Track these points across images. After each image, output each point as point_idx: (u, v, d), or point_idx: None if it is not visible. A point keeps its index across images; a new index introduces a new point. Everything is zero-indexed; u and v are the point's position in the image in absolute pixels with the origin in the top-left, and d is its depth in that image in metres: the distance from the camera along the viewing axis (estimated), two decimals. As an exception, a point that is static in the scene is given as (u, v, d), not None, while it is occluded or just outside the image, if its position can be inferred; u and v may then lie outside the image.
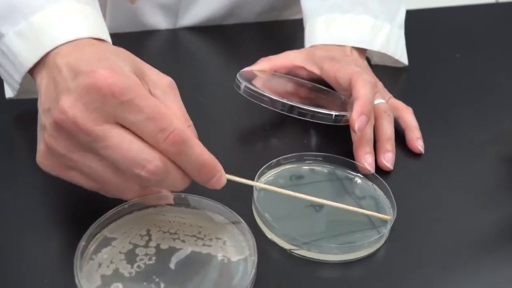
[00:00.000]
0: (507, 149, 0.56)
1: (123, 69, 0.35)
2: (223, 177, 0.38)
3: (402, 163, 0.52)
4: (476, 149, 0.55)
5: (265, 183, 0.46)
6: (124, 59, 0.37)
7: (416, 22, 0.72)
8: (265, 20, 0.78)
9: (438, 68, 0.72)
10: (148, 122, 0.34)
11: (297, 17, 0.80)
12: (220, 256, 0.38)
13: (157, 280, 0.36)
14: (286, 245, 0.41)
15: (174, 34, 0.73)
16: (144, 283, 0.36)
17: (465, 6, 0.91)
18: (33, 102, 0.40)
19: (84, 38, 0.40)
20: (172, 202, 0.41)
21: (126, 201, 0.40)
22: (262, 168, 0.46)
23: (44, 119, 0.37)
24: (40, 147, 0.37)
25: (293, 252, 0.41)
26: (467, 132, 0.58)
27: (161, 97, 0.38)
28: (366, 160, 0.49)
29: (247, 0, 0.75)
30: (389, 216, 0.43)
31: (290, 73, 0.60)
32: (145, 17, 0.71)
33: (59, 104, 0.34)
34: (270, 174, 0.48)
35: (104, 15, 0.69)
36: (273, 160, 0.47)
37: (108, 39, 0.42)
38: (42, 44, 0.39)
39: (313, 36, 0.64)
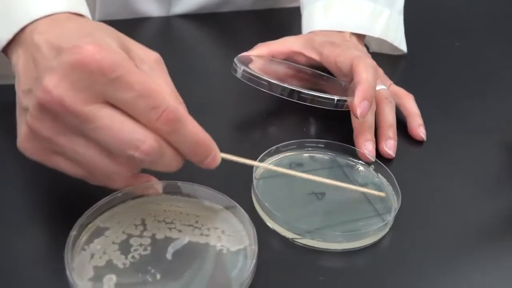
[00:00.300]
0: (510, 136, 0.55)
1: (109, 44, 0.33)
2: (218, 156, 0.36)
3: (404, 150, 0.50)
4: (479, 136, 0.55)
5: (264, 171, 0.45)
6: (108, 34, 0.35)
7: (415, 9, 0.71)
8: (261, 8, 0.77)
9: (438, 56, 0.71)
10: (139, 100, 0.32)
11: (292, 5, 0.78)
12: (218, 246, 0.37)
13: (152, 271, 0.34)
14: (288, 234, 0.39)
15: (167, 22, 0.71)
16: (139, 274, 0.34)
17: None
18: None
19: (61, 13, 0.37)
20: (161, 192, 0.39)
21: (117, 190, 0.38)
22: (261, 155, 0.45)
23: (24, 101, 0.34)
24: (21, 130, 0.34)
25: (296, 241, 0.39)
26: (468, 119, 0.57)
27: (148, 73, 0.35)
28: (367, 148, 0.47)
29: None
30: (383, 193, 0.42)
31: (289, 59, 0.58)
32: (137, 4, 0.69)
33: (43, 84, 0.31)
34: (270, 161, 0.46)
35: (94, 2, 0.68)
36: (272, 147, 0.46)
37: (88, 14, 0.40)
38: (16, 20, 0.36)
39: (311, 22, 0.62)
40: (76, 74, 0.31)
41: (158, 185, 0.39)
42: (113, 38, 0.35)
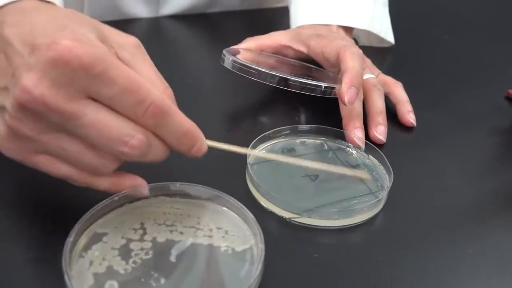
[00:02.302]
0: (498, 121, 0.56)
1: (88, 37, 0.31)
2: (204, 145, 0.35)
3: (394, 137, 0.50)
4: (467, 122, 0.55)
5: (258, 156, 0.45)
6: (83, 23, 0.33)
7: (404, 5, 0.71)
8: (249, 8, 0.76)
9: (427, 49, 0.71)
10: (124, 95, 0.30)
11: (280, 4, 0.78)
12: (223, 246, 0.35)
13: (156, 275, 0.32)
14: (285, 214, 0.40)
15: (156, 23, 0.70)
16: (142, 279, 0.32)
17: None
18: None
19: (27, 0, 0.35)
20: (147, 195, 0.38)
21: (102, 190, 0.35)
22: (254, 141, 0.45)
23: (1, 99, 0.32)
24: (0, 129, 0.32)
25: (293, 220, 0.39)
26: (456, 107, 0.58)
27: (130, 60, 0.33)
28: (356, 134, 0.47)
29: None
30: (367, 175, 0.43)
31: (277, 52, 0.58)
32: (125, 5, 0.68)
33: (21, 82, 0.29)
34: (262, 147, 0.46)
35: (82, 2, 0.66)
36: (265, 133, 0.46)
37: (56, 0, 0.38)
38: None
39: (297, 17, 0.62)
40: (56, 71, 0.29)
41: (144, 189, 0.37)
42: (89, 28, 0.32)
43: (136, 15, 0.69)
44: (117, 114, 0.31)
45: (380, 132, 0.49)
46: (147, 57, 0.35)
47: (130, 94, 0.30)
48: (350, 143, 0.47)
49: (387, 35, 0.65)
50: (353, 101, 0.46)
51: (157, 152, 0.33)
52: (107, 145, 0.31)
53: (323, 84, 0.48)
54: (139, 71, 0.33)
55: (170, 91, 0.35)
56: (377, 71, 0.57)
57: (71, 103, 0.30)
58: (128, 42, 0.35)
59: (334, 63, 0.51)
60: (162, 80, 0.35)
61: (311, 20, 0.60)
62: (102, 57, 0.30)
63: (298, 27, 0.61)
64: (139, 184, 0.36)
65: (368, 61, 0.57)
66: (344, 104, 0.46)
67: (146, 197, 0.38)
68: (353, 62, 0.48)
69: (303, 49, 0.56)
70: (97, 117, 0.30)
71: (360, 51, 0.51)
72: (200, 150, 0.35)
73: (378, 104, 0.50)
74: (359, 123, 0.48)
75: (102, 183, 0.35)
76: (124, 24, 0.68)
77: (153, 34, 0.70)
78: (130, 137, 0.31)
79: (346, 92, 0.45)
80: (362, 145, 0.47)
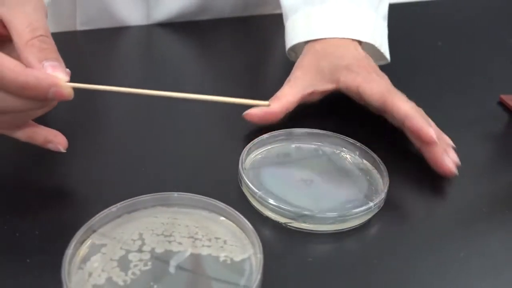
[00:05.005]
0: (491, 126, 0.57)
1: None
2: (62, 90, 0.36)
3: (388, 142, 0.51)
4: (460, 127, 0.56)
5: (252, 162, 0.46)
6: None
7: (397, 15, 0.72)
8: (240, 15, 0.76)
9: (421, 55, 0.72)
10: None
11: (272, 12, 0.78)
12: (222, 256, 0.35)
13: (155, 286, 0.33)
14: (281, 219, 0.40)
15: (147, 31, 0.70)
16: (142, 291, 0.32)
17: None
18: None
19: None
20: (62, 149, 0.40)
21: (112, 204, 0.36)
22: (249, 146, 0.45)
23: None
24: None
25: (288, 225, 0.40)
26: (451, 112, 0.58)
27: (5, 13, 0.36)
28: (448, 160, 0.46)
29: None
30: (266, 102, 0.40)
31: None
32: (116, 9, 0.68)
33: None
34: (258, 152, 0.47)
35: (74, 7, 0.66)
36: (260, 137, 0.47)
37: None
38: None
39: (296, 33, 0.57)
40: None
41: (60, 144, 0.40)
42: None
43: (127, 18, 0.70)
44: None
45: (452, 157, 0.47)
46: (29, 6, 0.37)
47: None
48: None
49: (386, 52, 0.59)
50: (434, 137, 0.45)
51: (13, 105, 0.36)
52: None
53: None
54: (10, 23, 0.36)
55: (43, 39, 0.36)
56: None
57: None
58: None
59: (377, 107, 0.49)
60: (33, 28, 0.36)
61: (310, 35, 0.56)
62: None
63: (307, 51, 0.55)
64: (54, 136, 0.40)
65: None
66: (433, 142, 0.45)
67: (163, 205, 0.39)
68: (407, 106, 0.47)
69: (330, 87, 0.52)
70: None
71: (404, 95, 0.50)
72: (57, 96, 0.36)
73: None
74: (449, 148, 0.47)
75: (19, 134, 0.39)
76: (115, 32, 0.68)
77: (143, 42, 0.70)
78: None
79: (427, 132, 0.45)
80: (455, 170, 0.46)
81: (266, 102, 0.40)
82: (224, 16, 0.75)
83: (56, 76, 0.36)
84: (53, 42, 0.37)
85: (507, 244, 0.41)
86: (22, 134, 0.39)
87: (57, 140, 0.40)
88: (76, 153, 0.43)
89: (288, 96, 0.51)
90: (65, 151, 0.40)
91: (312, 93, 0.52)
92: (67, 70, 0.37)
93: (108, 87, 0.38)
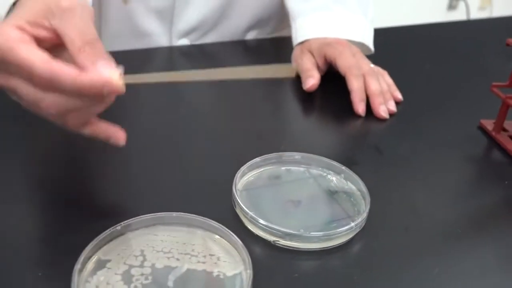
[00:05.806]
0: (470, 150, 0.60)
1: (4, 29, 0.38)
2: (114, 86, 0.39)
3: (371, 165, 0.55)
4: (441, 149, 0.60)
5: (245, 183, 0.50)
6: (17, 16, 0.39)
7: (389, 38, 0.77)
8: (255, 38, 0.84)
9: (408, 76, 0.76)
10: (19, 70, 0.38)
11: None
12: (215, 271, 0.39)
13: (155, 299, 0.36)
14: (270, 237, 0.44)
15: (171, 52, 0.75)
16: (143, 303, 0.36)
17: (436, 24, 1.00)
18: None
19: None
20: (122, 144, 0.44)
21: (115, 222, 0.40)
22: (243, 168, 0.49)
23: None
24: None
25: (277, 243, 0.43)
26: (432, 134, 0.63)
27: (59, 25, 0.39)
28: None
29: (237, 0, 0.79)
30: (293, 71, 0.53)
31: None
32: (139, 21, 0.74)
33: None
34: (251, 174, 0.51)
35: (99, 17, 0.72)
36: (253, 160, 0.51)
37: None
38: None
39: (304, 30, 0.74)
40: None
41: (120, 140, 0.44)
42: (19, 18, 0.39)
43: (150, 30, 0.76)
44: (28, 84, 0.39)
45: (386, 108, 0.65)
46: (78, 17, 0.40)
47: (22, 69, 0.37)
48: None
49: (371, 47, 0.76)
50: (364, 111, 0.64)
51: (75, 105, 0.40)
52: (31, 109, 0.41)
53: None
54: (63, 33, 0.39)
55: (95, 45, 0.39)
56: (367, 61, 0.70)
57: (5, 80, 0.39)
58: (60, 6, 0.40)
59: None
60: (85, 34, 0.40)
61: (315, 34, 0.73)
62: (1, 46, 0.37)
63: (306, 40, 0.73)
64: (115, 131, 0.44)
65: (359, 55, 0.70)
66: (360, 115, 0.64)
67: (163, 224, 0.43)
68: (355, 83, 0.65)
69: (322, 60, 0.70)
70: (20, 87, 0.39)
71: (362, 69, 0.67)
72: (112, 92, 0.39)
73: (376, 87, 0.65)
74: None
75: (85, 130, 0.43)
76: (143, 53, 0.73)
77: (168, 62, 0.75)
78: (41, 101, 0.39)
79: (358, 106, 0.64)
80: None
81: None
82: (243, 24, 0.83)
83: (107, 75, 0.39)
84: (101, 44, 0.40)
85: (479, 262, 0.44)
86: (87, 130, 0.43)
87: (117, 136, 0.44)
88: (80, 176, 0.47)
89: (312, 69, 0.69)
90: (124, 145, 0.44)
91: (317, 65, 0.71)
92: (119, 66, 0.40)
93: (154, 78, 0.42)
